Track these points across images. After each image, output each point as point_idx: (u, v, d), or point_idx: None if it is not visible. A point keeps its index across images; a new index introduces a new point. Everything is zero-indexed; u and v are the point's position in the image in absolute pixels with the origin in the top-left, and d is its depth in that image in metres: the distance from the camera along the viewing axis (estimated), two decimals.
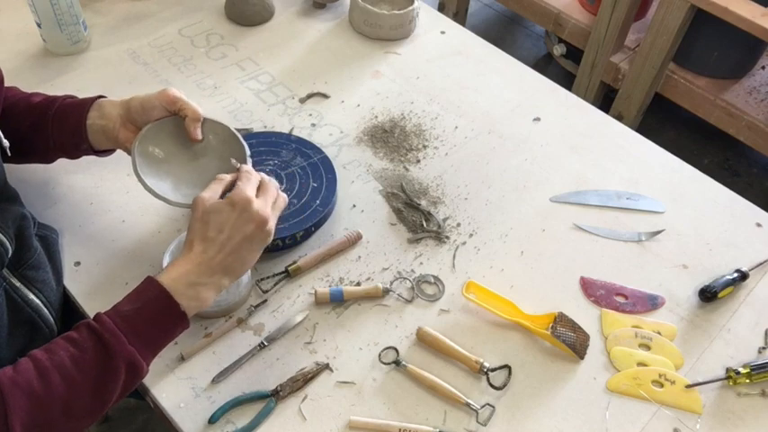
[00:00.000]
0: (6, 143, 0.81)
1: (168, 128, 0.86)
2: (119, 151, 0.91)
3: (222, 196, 0.77)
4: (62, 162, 1.02)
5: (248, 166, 0.81)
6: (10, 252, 0.77)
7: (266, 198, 0.78)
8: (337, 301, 0.91)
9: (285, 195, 0.82)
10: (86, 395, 0.67)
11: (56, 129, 0.87)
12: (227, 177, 0.79)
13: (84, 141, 0.87)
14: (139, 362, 0.69)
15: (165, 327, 0.72)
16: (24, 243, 0.82)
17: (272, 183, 0.81)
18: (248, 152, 0.85)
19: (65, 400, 0.66)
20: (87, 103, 0.87)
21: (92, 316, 0.87)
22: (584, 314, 0.92)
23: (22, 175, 1.00)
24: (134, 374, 0.70)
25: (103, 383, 0.68)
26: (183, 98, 0.84)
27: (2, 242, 0.77)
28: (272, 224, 0.77)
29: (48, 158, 0.95)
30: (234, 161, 0.83)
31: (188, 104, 0.84)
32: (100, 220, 0.98)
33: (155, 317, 0.71)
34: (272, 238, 0.78)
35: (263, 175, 0.81)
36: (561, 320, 0.88)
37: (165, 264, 0.83)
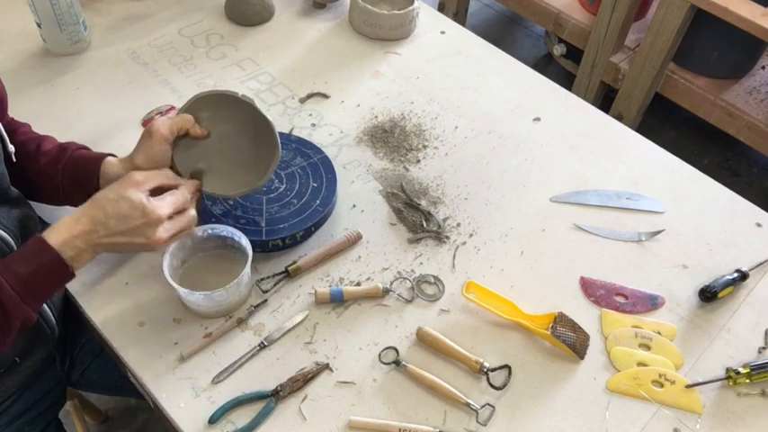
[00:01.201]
0: (12, 148, 0.82)
1: (189, 141, 0.87)
2: (118, 147, 0.91)
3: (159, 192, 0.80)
4: None
5: (189, 188, 0.83)
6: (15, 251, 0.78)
7: (174, 225, 0.80)
8: (337, 301, 0.91)
9: (193, 226, 0.84)
10: None
11: (66, 184, 0.88)
12: (171, 180, 0.82)
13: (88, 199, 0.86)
14: (32, 317, 0.75)
15: (55, 284, 0.78)
16: None
17: (192, 213, 0.83)
18: (275, 128, 0.87)
19: None
20: (95, 170, 0.86)
21: (92, 315, 0.87)
22: (584, 314, 0.92)
23: None
24: (25, 325, 0.75)
25: None
26: (171, 123, 0.83)
27: (6, 241, 0.77)
28: (159, 248, 0.79)
29: (54, 203, 0.94)
30: (193, 172, 0.86)
31: (176, 122, 0.84)
32: None
33: (50, 280, 0.76)
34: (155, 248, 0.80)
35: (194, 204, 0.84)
36: (561, 320, 0.88)
37: (164, 267, 0.83)
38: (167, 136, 0.83)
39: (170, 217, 0.79)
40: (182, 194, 0.81)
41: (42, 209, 0.97)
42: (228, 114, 0.87)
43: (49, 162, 0.87)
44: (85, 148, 0.91)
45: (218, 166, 0.89)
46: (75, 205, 0.89)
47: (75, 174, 0.87)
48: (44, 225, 0.91)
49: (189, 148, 0.87)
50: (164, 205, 0.78)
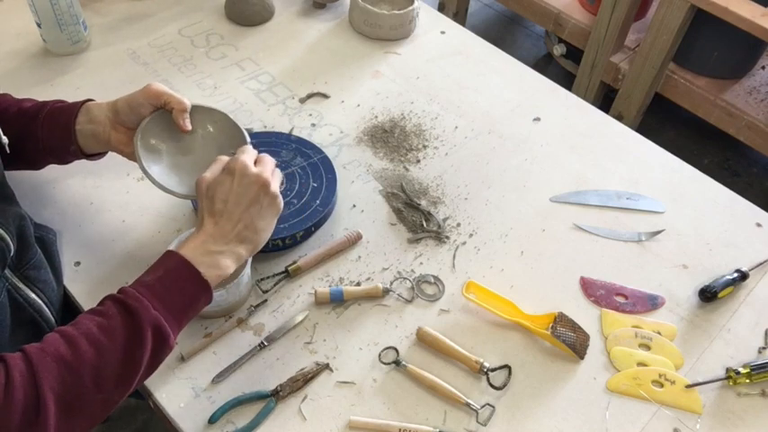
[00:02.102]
0: (5, 140, 0.81)
1: (167, 119, 0.85)
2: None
3: None
4: None
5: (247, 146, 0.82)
6: (12, 250, 0.77)
7: (264, 165, 0.79)
8: (337, 301, 0.91)
9: (280, 171, 0.83)
10: (115, 361, 0.67)
11: (45, 133, 0.86)
12: (226, 158, 0.80)
13: (73, 145, 0.87)
14: (165, 326, 0.69)
15: (187, 293, 0.72)
16: (25, 243, 0.82)
17: (268, 157, 0.82)
18: (249, 140, 0.86)
19: (94, 365, 0.65)
20: (75, 108, 0.86)
21: None
22: (584, 314, 0.92)
23: (23, 175, 1.00)
24: (161, 341, 0.69)
25: (131, 349, 0.67)
26: (168, 91, 0.84)
27: (4, 239, 0.77)
28: (274, 187, 0.78)
29: (37, 164, 0.94)
30: (232, 153, 0.83)
31: (172, 96, 0.84)
32: (100, 220, 0.98)
33: (176, 283, 0.71)
34: (281, 202, 0.79)
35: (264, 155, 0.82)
36: (561, 320, 0.88)
37: None
38: (155, 95, 0.83)
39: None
40: (245, 149, 0.80)
41: (36, 208, 0.97)
42: (209, 129, 0.88)
43: (30, 118, 0.87)
44: (63, 101, 0.90)
45: (182, 162, 0.87)
46: (58, 155, 0.90)
47: (54, 119, 0.86)
48: (35, 227, 0.90)
49: (163, 130, 0.86)
50: (246, 161, 0.77)
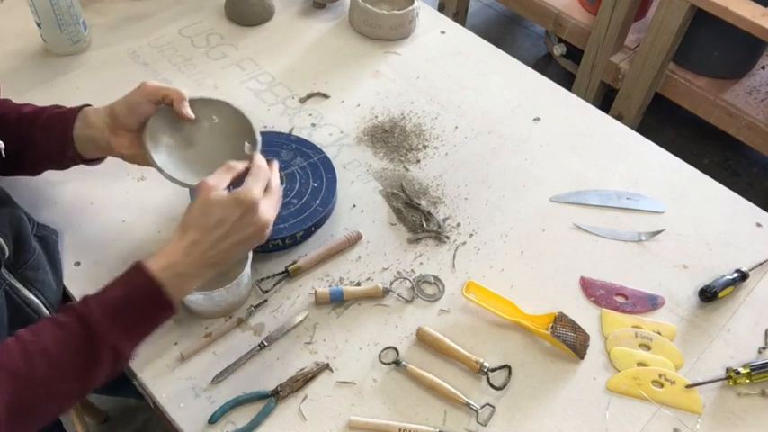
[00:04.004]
0: (1, 144, 0.81)
1: (170, 115, 0.85)
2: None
3: (230, 185, 0.76)
4: None
5: (261, 159, 0.79)
6: (7, 252, 0.77)
7: (271, 200, 0.76)
8: (337, 301, 0.90)
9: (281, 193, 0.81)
10: (71, 380, 0.67)
11: (43, 139, 0.86)
12: (239, 166, 0.77)
13: (71, 151, 0.86)
14: (124, 351, 0.69)
15: (151, 315, 0.71)
16: (23, 244, 0.82)
17: (277, 181, 0.79)
18: (253, 125, 0.85)
19: (49, 383, 0.66)
20: (72, 114, 0.86)
21: None
22: (584, 314, 0.92)
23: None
24: (117, 362, 0.70)
25: (87, 369, 0.68)
26: (163, 85, 0.83)
27: None
28: (269, 228, 0.76)
29: (35, 170, 0.94)
30: (247, 146, 0.81)
31: (169, 89, 0.83)
32: (100, 220, 0.98)
33: (142, 306, 0.70)
34: (267, 235, 0.77)
35: (274, 167, 0.79)
36: (561, 320, 0.88)
37: None
38: (152, 91, 0.82)
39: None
40: (260, 169, 0.76)
41: (37, 209, 0.97)
42: (214, 119, 0.87)
43: (28, 124, 0.86)
44: (60, 107, 0.90)
45: (191, 155, 0.86)
46: (56, 161, 0.89)
47: (52, 125, 0.85)
48: (37, 227, 0.90)
49: (168, 125, 0.85)
50: (250, 186, 0.73)
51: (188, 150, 0.86)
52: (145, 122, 0.83)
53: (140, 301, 0.70)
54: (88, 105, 0.88)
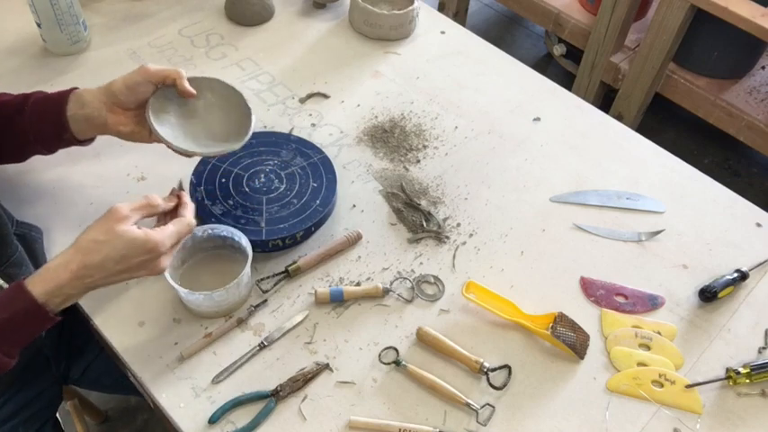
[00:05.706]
0: None
1: (170, 93, 0.89)
2: (118, 147, 0.91)
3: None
4: (62, 162, 1.02)
5: (187, 198, 0.81)
6: None
7: (175, 248, 0.77)
8: (337, 301, 0.91)
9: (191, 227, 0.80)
10: None
11: (34, 124, 0.87)
12: (159, 207, 0.77)
13: (66, 133, 0.87)
14: (5, 363, 0.70)
15: (32, 331, 0.73)
16: (3, 241, 0.82)
17: (190, 223, 0.79)
18: (243, 97, 0.93)
19: None
20: (63, 96, 0.87)
21: (92, 315, 0.87)
22: (584, 314, 0.92)
23: (23, 175, 1.00)
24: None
25: None
26: (162, 67, 0.86)
27: None
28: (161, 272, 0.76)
29: (22, 156, 0.94)
30: (176, 185, 0.84)
31: (169, 70, 0.86)
32: None
33: (24, 325, 0.70)
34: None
35: (189, 215, 0.80)
36: (561, 320, 0.88)
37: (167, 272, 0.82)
38: (152, 72, 0.85)
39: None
40: (183, 225, 0.77)
41: (36, 208, 0.97)
42: (209, 96, 0.94)
43: (14, 110, 0.87)
44: (42, 92, 0.90)
45: (192, 129, 0.92)
46: (48, 145, 0.90)
47: (42, 109, 0.86)
48: (17, 224, 0.90)
49: (168, 103, 0.90)
50: (166, 238, 0.74)
51: (188, 123, 0.92)
52: (142, 102, 0.87)
53: (23, 323, 0.70)
54: (76, 88, 0.89)
